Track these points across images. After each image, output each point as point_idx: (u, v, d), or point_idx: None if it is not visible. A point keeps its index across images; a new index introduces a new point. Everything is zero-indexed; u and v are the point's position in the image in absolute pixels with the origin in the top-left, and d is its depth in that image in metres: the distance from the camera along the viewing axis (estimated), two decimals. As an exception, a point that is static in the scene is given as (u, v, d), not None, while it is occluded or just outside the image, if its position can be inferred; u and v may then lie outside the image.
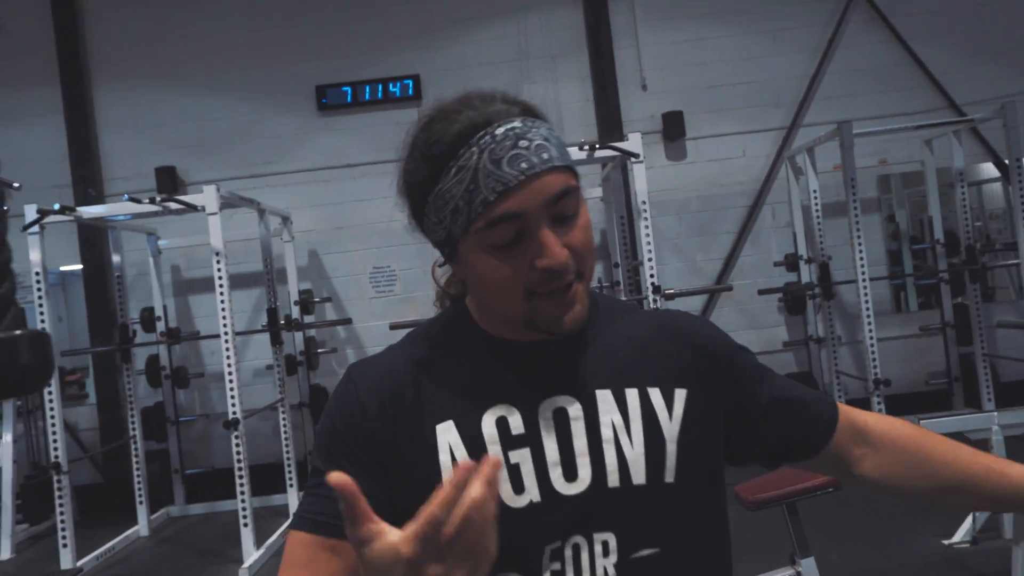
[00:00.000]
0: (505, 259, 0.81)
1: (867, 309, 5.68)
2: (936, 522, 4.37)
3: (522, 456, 0.85)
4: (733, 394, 0.97)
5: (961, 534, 4.26)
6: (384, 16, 6.91)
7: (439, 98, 0.87)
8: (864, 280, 5.66)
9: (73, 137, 6.74)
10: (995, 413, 5.01)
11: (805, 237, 6.61)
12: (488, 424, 0.86)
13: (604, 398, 0.88)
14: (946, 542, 4.25)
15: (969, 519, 4.33)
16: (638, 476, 0.86)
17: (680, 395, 0.91)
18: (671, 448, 0.88)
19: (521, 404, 0.87)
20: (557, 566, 0.83)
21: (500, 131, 0.80)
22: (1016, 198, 5.71)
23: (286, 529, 5.35)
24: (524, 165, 0.79)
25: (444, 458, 0.83)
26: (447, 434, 0.85)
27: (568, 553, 0.83)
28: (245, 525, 4.92)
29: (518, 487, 0.83)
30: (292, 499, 5.76)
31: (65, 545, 5.00)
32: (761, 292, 6.71)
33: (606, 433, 0.86)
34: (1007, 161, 5.77)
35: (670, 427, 0.89)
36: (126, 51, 6.84)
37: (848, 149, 5.69)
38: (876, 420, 1.08)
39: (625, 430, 0.87)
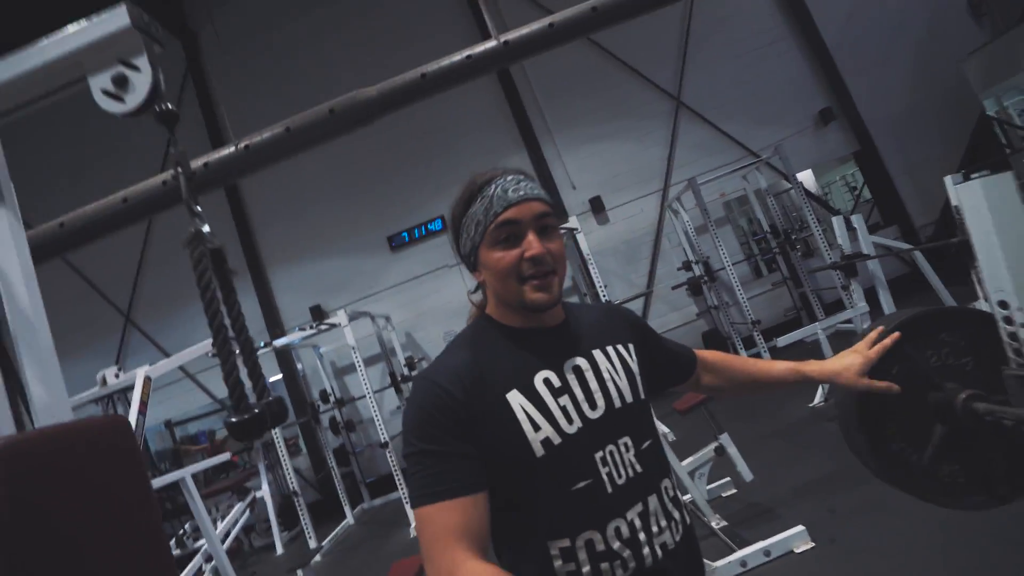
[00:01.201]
0: (506, 252, 0.83)
1: (736, 281, 5.84)
2: (799, 396, 4.46)
3: (565, 400, 0.84)
4: (647, 347, 1.01)
5: (817, 398, 4.37)
6: (419, 182, 7.42)
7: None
8: (729, 265, 5.82)
9: (261, 300, 7.34)
10: (819, 322, 5.16)
11: (690, 249, 6.68)
12: (539, 384, 0.84)
13: (598, 355, 0.90)
14: (810, 404, 4.34)
15: (820, 389, 4.33)
16: (628, 397, 0.89)
17: (632, 348, 0.96)
18: (637, 378, 0.93)
19: (553, 367, 0.86)
20: (607, 468, 0.83)
21: (509, 177, 0.86)
22: (800, 197, 6.02)
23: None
24: (522, 193, 0.84)
25: (520, 415, 0.80)
26: (516, 398, 0.81)
27: (608, 456, 0.84)
28: (406, 503, 5.09)
29: (569, 420, 0.82)
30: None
31: (309, 536, 5.39)
32: (673, 288, 6.90)
33: (605, 375, 0.89)
34: (790, 176, 6.04)
35: (634, 365, 0.94)
36: (280, 244, 7.47)
37: (698, 193, 5.90)
38: (710, 355, 1.13)
39: (615, 371, 0.90)
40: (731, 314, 6.62)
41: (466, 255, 0.91)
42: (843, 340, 5.58)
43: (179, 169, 1.10)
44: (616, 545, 0.80)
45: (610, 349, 0.93)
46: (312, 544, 5.36)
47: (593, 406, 0.86)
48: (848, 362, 1.05)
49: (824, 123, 7.22)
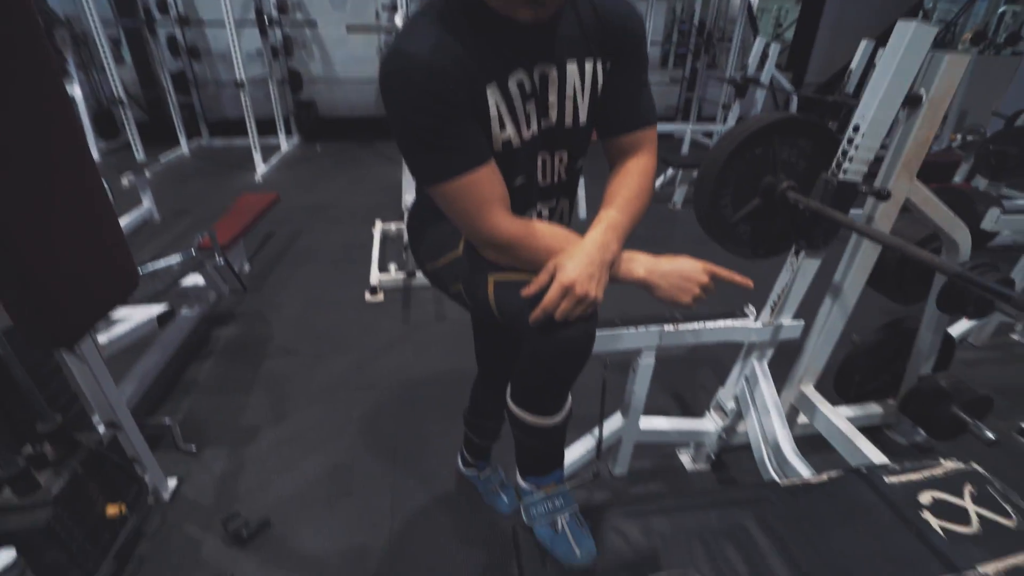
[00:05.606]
0: None
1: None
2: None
3: (531, 106, 0.83)
4: (618, 72, 0.90)
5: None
6: None
7: None
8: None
9: None
10: (689, 124, 5.75)
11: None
12: (512, 85, 0.80)
13: (571, 67, 0.84)
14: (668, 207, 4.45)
15: (677, 190, 4.42)
16: (581, 119, 0.89)
17: (607, 66, 0.88)
18: (594, 101, 0.89)
19: (525, 67, 0.80)
20: (541, 169, 0.91)
21: None
22: (741, 6, 5.76)
23: (287, 155, 5.60)
24: None
25: (493, 112, 0.79)
26: (493, 95, 0.78)
27: (546, 160, 0.91)
28: (255, 150, 5.03)
29: (528, 125, 0.84)
30: (282, 141, 5.71)
31: (137, 150, 4.99)
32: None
33: (568, 91, 0.85)
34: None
35: (597, 87, 0.88)
36: None
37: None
38: (630, 160, 0.93)
39: (581, 90, 0.86)
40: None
41: None
42: (701, 150, 6.31)
43: None
44: None
45: (587, 64, 0.86)
46: (140, 158, 4.97)
47: (545, 116, 0.87)
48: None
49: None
